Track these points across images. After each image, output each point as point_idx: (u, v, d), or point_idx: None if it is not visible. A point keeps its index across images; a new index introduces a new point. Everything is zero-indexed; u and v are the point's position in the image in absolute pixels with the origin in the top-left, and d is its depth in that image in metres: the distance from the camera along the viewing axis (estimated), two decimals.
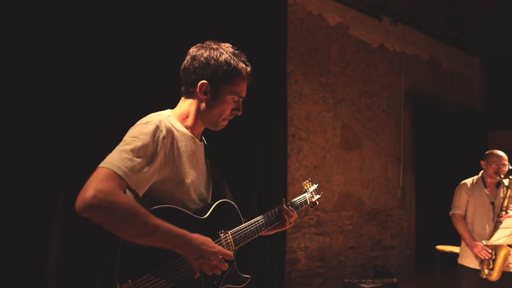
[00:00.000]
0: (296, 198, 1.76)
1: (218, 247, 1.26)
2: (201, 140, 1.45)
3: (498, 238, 2.91)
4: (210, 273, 1.24)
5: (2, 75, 2.74)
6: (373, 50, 6.07)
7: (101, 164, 1.14)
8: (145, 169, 1.17)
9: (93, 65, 3.12)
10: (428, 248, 5.29)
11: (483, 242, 3.08)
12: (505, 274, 3.07)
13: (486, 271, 3.07)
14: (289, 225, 1.62)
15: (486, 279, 3.09)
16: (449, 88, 7.31)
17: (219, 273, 1.25)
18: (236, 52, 1.42)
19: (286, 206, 1.62)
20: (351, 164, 5.68)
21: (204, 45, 1.41)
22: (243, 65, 1.39)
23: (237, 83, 1.37)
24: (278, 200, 4.75)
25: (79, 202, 1.06)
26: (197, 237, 1.21)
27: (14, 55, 2.78)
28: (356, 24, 5.80)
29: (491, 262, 3.06)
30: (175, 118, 1.36)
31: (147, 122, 1.26)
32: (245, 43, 4.19)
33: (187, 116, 1.39)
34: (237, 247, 1.40)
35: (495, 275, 3.05)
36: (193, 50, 1.41)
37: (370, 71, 6.00)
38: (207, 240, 1.24)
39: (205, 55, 1.37)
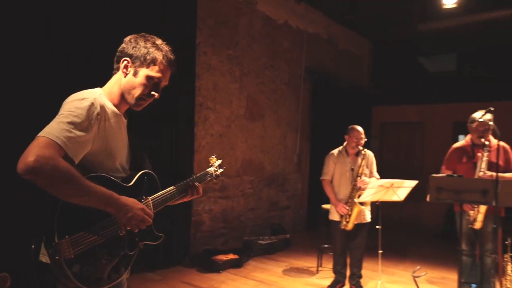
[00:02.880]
0: (203, 172, 2.03)
1: (142, 205, 1.49)
2: (125, 118, 1.64)
3: (366, 196, 3.59)
4: (136, 230, 1.46)
5: None
6: (278, 26, 6.45)
7: (41, 134, 1.28)
8: (81, 140, 1.34)
9: None
10: (317, 207, 6.06)
11: (355, 199, 3.77)
12: (357, 225, 3.89)
13: (344, 223, 3.86)
14: (196, 195, 1.87)
15: (344, 229, 3.88)
16: (343, 66, 8.13)
17: (144, 227, 1.48)
18: (164, 43, 1.61)
19: (192, 179, 1.88)
20: (254, 133, 6.12)
21: (138, 34, 1.60)
22: (166, 54, 1.58)
23: (158, 67, 1.55)
24: (185, 166, 5.01)
25: (21, 165, 1.21)
26: (124, 197, 1.43)
27: None
28: (264, 0, 6.09)
29: (348, 217, 3.83)
30: (105, 97, 1.52)
31: (83, 98, 1.41)
32: (155, 11, 4.22)
33: (114, 95, 1.56)
34: (155, 211, 1.62)
35: (350, 226, 3.85)
36: (127, 37, 1.60)
37: (275, 47, 6.41)
38: (132, 199, 1.46)
39: (133, 39, 1.57)
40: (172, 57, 1.60)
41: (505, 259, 3.25)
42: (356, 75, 8.65)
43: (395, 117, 8.76)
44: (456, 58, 8.73)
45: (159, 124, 4.37)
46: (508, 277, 3.21)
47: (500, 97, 7.38)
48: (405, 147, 8.67)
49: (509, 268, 3.21)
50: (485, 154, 3.48)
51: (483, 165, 3.47)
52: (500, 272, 3.77)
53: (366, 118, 8.66)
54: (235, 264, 4.69)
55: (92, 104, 1.40)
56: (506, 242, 3.26)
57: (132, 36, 1.60)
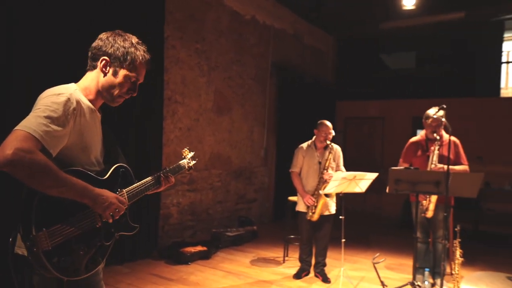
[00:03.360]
0: (176, 164, 2.10)
1: (115, 195, 1.54)
2: (99, 113, 1.67)
3: (330, 188, 3.77)
4: (111, 220, 1.52)
5: None
6: (245, 21, 6.53)
7: (18, 127, 1.31)
8: (57, 134, 1.38)
9: None
10: (283, 200, 6.23)
11: (320, 191, 3.95)
12: (322, 216, 4.09)
13: (310, 214, 4.04)
14: (168, 184, 1.95)
15: (310, 220, 4.06)
16: (308, 61, 8.32)
17: (117, 217, 1.54)
18: (139, 42, 1.66)
19: (166, 171, 1.95)
20: (222, 126, 6.19)
21: (113, 32, 1.63)
22: (143, 53, 1.64)
23: (135, 66, 1.61)
24: (153, 160, 5.01)
25: (0, 158, 1.24)
26: (98, 189, 1.48)
27: None
28: None
29: (314, 208, 4.02)
30: (80, 92, 1.56)
31: (59, 93, 1.44)
32: (123, 4, 4.19)
33: (89, 90, 1.60)
34: (130, 203, 1.69)
35: (315, 217, 4.04)
36: (102, 35, 1.63)
37: (242, 42, 6.48)
38: (106, 190, 1.52)
39: (111, 38, 1.60)
40: (148, 56, 1.66)
41: (455, 245, 3.53)
42: (321, 70, 8.88)
43: (358, 112, 9.09)
44: (415, 56, 9.15)
45: (128, 117, 4.35)
46: (457, 261, 3.49)
47: (455, 94, 7.85)
48: (367, 141, 9.02)
49: (457, 252, 3.49)
50: (436, 148, 3.75)
51: (435, 158, 3.73)
52: (450, 256, 4.08)
53: (330, 113, 8.93)
54: (204, 256, 4.77)
55: (69, 99, 1.44)
56: (456, 229, 3.54)
57: (109, 34, 1.62)
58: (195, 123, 5.67)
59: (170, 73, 5.19)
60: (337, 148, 4.18)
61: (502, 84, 9.53)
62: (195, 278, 4.15)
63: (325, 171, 3.99)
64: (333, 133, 4.11)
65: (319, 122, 4.16)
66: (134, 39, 1.65)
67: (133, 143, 4.50)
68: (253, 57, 6.77)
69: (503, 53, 8.97)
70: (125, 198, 1.64)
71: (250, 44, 6.68)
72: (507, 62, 9.52)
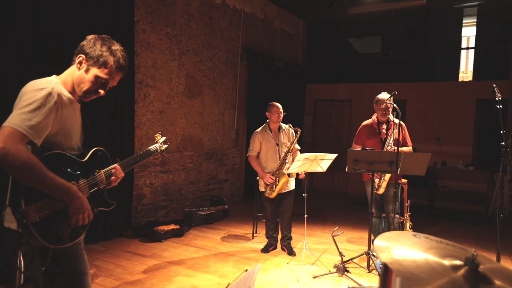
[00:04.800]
0: (149, 148, 2.28)
1: (88, 208, 1.69)
2: (79, 102, 1.84)
3: (293, 168, 4.06)
4: (77, 223, 1.67)
5: None
6: (216, 5, 6.62)
7: (5, 124, 1.49)
8: (41, 126, 1.55)
9: None
10: (253, 180, 6.49)
11: (284, 171, 4.24)
12: (284, 193, 4.44)
13: (269, 191, 4.38)
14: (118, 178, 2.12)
15: (274, 198, 4.41)
16: (278, 45, 8.51)
17: (85, 223, 1.71)
18: (122, 49, 1.80)
19: (140, 154, 2.13)
20: (193, 109, 6.35)
21: (101, 36, 1.79)
22: (118, 60, 1.77)
23: (108, 69, 1.76)
24: (126, 142, 5.15)
25: None
26: (80, 194, 1.66)
27: None
28: None
29: (274, 186, 4.34)
30: (61, 85, 1.72)
31: (41, 88, 1.60)
32: None
33: (67, 84, 1.76)
34: (107, 182, 1.89)
35: (274, 194, 4.38)
36: (90, 36, 1.79)
37: (212, 25, 6.59)
38: (83, 200, 1.67)
39: (93, 39, 1.76)
40: (124, 63, 1.80)
41: (406, 218, 3.91)
42: (291, 54, 9.08)
43: (327, 95, 9.39)
44: (380, 41, 9.49)
45: (100, 101, 4.44)
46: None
47: (416, 78, 8.26)
48: (335, 123, 9.38)
49: (407, 224, 3.87)
50: (395, 131, 4.08)
51: (391, 140, 4.07)
52: (402, 228, 4.48)
53: (300, 96, 9.21)
54: (177, 234, 5.01)
55: (50, 93, 1.61)
56: (407, 204, 3.91)
57: (94, 36, 1.78)
58: (167, 106, 5.80)
59: (141, 57, 5.28)
60: (288, 127, 4.50)
61: (462, 68, 10.06)
62: (168, 254, 4.39)
63: (290, 153, 4.31)
64: (283, 112, 4.40)
65: (269, 104, 4.46)
66: (115, 46, 1.79)
67: (106, 127, 4.62)
68: (224, 41, 6.89)
69: (462, 39, 9.44)
70: (103, 178, 1.84)
71: (221, 28, 6.79)
72: (467, 48, 10.01)
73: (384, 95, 4.12)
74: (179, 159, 6.14)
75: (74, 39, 1.80)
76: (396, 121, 4.11)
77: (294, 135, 4.49)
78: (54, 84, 1.67)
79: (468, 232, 5.86)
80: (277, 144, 4.40)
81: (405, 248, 1.22)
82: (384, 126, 4.18)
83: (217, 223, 5.84)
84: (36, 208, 1.54)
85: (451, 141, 7.83)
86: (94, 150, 1.86)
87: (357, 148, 4.26)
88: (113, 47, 1.78)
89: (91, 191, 1.78)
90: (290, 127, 4.55)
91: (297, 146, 4.52)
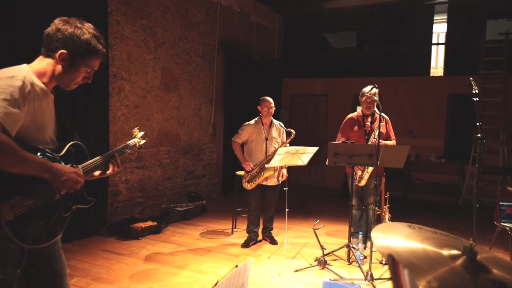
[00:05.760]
0: (126, 143, 2.18)
1: (74, 169, 1.63)
2: (53, 94, 1.73)
3: (274, 161, 4.03)
4: (72, 190, 1.61)
5: None
6: None
7: None
8: (15, 116, 1.45)
9: None
10: (231, 175, 6.43)
11: (266, 165, 4.22)
12: (269, 187, 4.47)
13: (246, 183, 4.39)
14: (116, 169, 2.03)
15: (258, 192, 4.44)
16: (255, 39, 8.45)
17: (79, 187, 1.63)
18: (97, 34, 1.70)
19: (117, 149, 2.03)
20: (170, 104, 6.21)
21: (70, 21, 1.65)
22: (100, 47, 1.69)
23: (92, 59, 1.68)
24: (101, 137, 4.99)
25: None
26: (57, 164, 1.58)
27: None
28: None
29: (255, 179, 4.34)
30: (32, 74, 1.60)
31: (13, 76, 1.48)
32: None
33: (43, 74, 1.64)
34: (85, 178, 1.77)
35: (250, 187, 4.39)
36: (58, 23, 1.64)
37: (189, 18, 6.45)
38: (65, 165, 1.61)
39: (69, 30, 1.62)
40: (104, 50, 1.72)
41: (384, 210, 3.96)
42: (268, 48, 9.05)
43: (304, 89, 9.43)
44: (355, 36, 9.59)
45: (73, 95, 4.27)
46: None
47: (390, 73, 8.40)
48: (312, 118, 9.44)
49: (387, 217, 3.93)
50: (382, 124, 4.14)
51: (377, 133, 4.11)
52: (381, 221, 4.54)
53: (277, 90, 9.20)
54: (154, 231, 4.90)
55: (24, 82, 1.50)
56: (386, 196, 3.96)
57: (68, 25, 1.63)
58: (143, 100, 5.65)
59: (115, 50, 5.10)
60: (280, 124, 4.50)
61: (433, 64, 10.31)
62: (146, 251, 4.28)
63: (272, 149, 4.33)
64: (274, 107, 4.39)
65: (261, 98, 4.46)
66: (92, 30, 1.68)
67: (79, 121, 4.44)
68: (200, 34, 6.77)
69: (433, 35, 9.67)
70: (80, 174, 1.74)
71: (197, 20, 6.66)
72: (437, 44, 10.27)
73: (368, 88, 4.15)
74: (156, 154, 6.00)
75: (44, 28, 1.66)
76: (383, 115, 4.17)
77: (285, 135, 4.53)
78: (26, 73, 1.56)
79: (441, 222, 6.02)
80: (266, 139, 4.41)
81: (401, 239, 1.22)
82: (369, 119, 4.21)
83: (195, 219, 5.76)
84: (10, 205, 1.43)
85: (424, 134, 8.03)
86: (71, 144, 1.76)
87: (342, 140, 4.30)
88: (92, 33, 1.67)
89: None
90: (282, 126, 4.57)
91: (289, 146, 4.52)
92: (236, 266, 1.53)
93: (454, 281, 1.02)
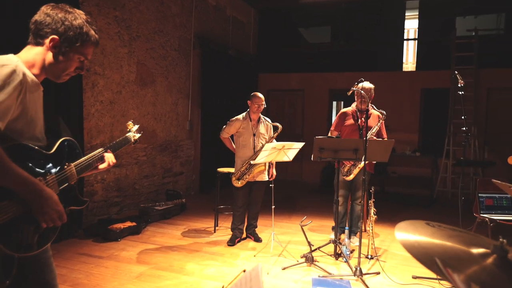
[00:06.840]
0: (122, 137, 2.06)
1: (61, 209, 1.45)
2: (41, 87, 1.57)
3: (261, 157, 3.96)
4: (45, 225, 1.42)
5: None
6: None
7: None
8: (5, 106, 1.29)
9: None
10: (210, 172, 6.31)
11: (251, 162, 4.14)
12: (257, 183, 4.40)
13: (236, 181, 4.31)
14: (110, 163, 1.91)
15: (245, 188, 4.36)
16: (231, 33, 8.31)
17: (57, 224, 1.45)
18: (89, 20, 1.55)
19: (112, 145, 1.91)
20: (146, 99, 6.00)
21: (59, 6, 1.50)
22: (93, 33, 1.55)
23: (86, 46, 1.53)
24: (74, 134, 4.78)
25: None
26: (48, 190, 1.40)
27: None
28: None
29: (244, 175, 4.27)
30: (23, 64, 1.43)
31: (3, 64, 1.32)
32: None
33: (33, 65, 1.48)
34: (79, 176, 1.65)
35: (240, 184, 4.29)
36: (46, 8, 1.48)
37: (164, 11, 6.24)
38: (56, 200, 1.43)
39: (60, 15, 1.47)
40: (97, 36, 1.59)
41: (370, 204, 3.97)
42: (243, 42, 8.93)
43: (280, 84, 9.38)
44: (330, 31, 9.63)
45: (45, 90, 4.01)
46: (372, 218, 3.94)
47: (364, 68, 8.49)
48: (288, 113, 9.41)
49: (372, 211, 3.94)
50: (381, 121, 4.15)
51: (374, 130, 4.12)
52: (365, 215, 4.57)
53: (253, 85, 9.10)
54: (134, 231, 4.71)
55: (14, 71, 1.35)
56: (371, 190, 3.97)
57: (57, 10, 1.49)
58: (118, 96, 5.42)
59: None
60: (268, 120, 4.46)
61: (404, 59, 10.53)
62: (127, 253, 4.10)
63: (260, 145, 4.27)
64: (264, 105, 4.32)
65: (252, 94, 4.40)
66: (84, 16, 1.54)
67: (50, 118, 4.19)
68: (176, 27, 6.57)
69: (404, 31, 9.85)
70: (73, 172, 1.60)
71: (172, 13, 6.46)
72: (407, 39, 10.48)
73: (363, 83, 4.14)
74: (132, 152, 5.79)
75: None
76: (376, 112, 4.19)
77: (273, 131, 4.46)
78: (16, 62, 1.40)
79: (417, 214, 6.15)
80: (254, 134, 4.33)
81: (427, 238, 1.17)
82: (364, 115, 4.19)
83: (175, 217, 5.60)
84: None
85: (399, 128, 8.16)
86: (62, 141, 1.60)
87: (335, 133, 4.32)
88: (84, 18, 1.54)
89: (60, 187, 1.52)
90: (268, 121, 4.51)
91: (274, 140, 4.46)
92: (244, 271, 1.43)
93: (491, 282, 0.99)
